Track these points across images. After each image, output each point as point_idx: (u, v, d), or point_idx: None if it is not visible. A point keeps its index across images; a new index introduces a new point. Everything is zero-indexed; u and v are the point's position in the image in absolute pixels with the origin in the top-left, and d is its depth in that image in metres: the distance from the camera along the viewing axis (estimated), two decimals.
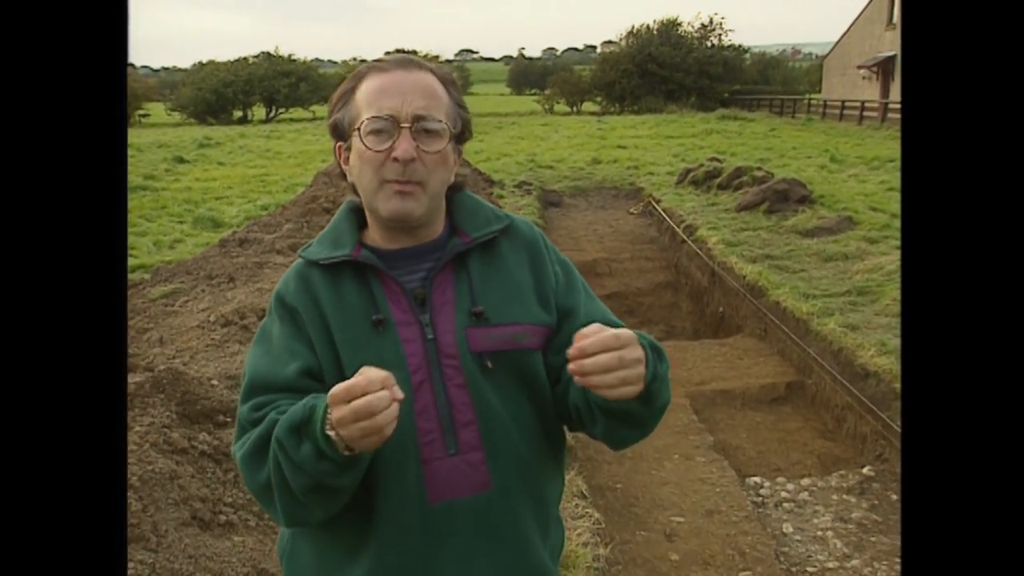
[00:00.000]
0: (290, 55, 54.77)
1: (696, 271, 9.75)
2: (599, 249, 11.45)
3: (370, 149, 1.29)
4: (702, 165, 14.58)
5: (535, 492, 1.38)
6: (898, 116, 28.41)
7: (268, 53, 54.43)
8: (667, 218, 11.74)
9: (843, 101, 34.26)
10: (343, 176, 1.39)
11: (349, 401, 1.08)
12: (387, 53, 1.49)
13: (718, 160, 15.23)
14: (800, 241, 9.45)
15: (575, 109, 53.41)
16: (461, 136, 1.38)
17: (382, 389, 1.09)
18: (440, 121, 1.31)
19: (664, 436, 5.71)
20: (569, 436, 4.13)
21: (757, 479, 5.09)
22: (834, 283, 7.66)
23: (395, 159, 1.27)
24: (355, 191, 1.39)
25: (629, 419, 1.29)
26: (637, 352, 1.17)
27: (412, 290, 1.33)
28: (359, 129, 1.30)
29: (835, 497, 4.77)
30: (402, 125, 1.28)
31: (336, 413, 1.10)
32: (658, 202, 12.88)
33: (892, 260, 7.97)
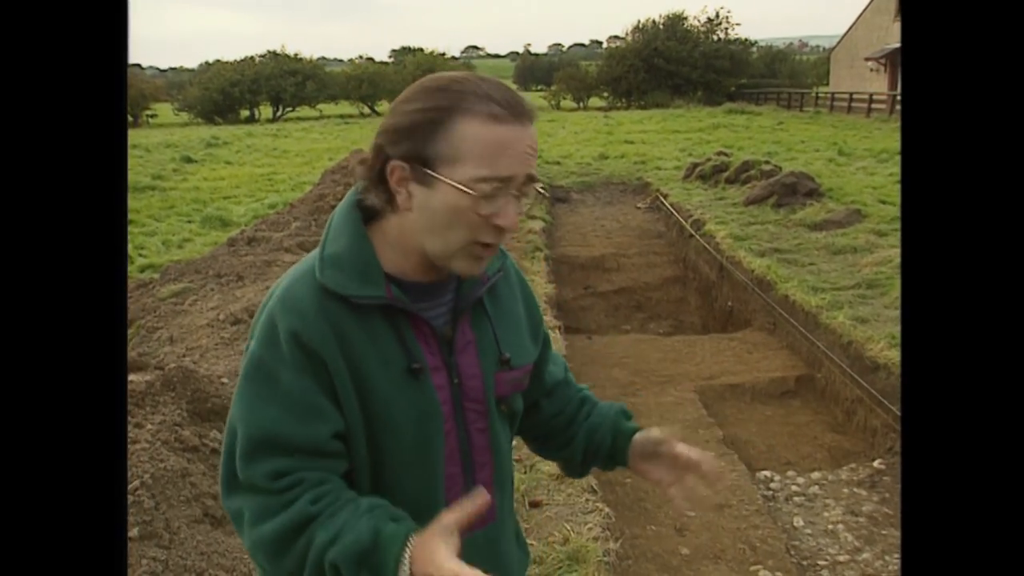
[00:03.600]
0: (296, 54, 54.92)
1: (704, 265, 9.73)
2: (607, 244, 11.44)
3: (470, 209, 1.13)
4: (709, 159, 14.55)
5: (513, 510, 1.48)
6: None
7: (274, 52, 54.60)
8: (675, 212, 11.72)
9: (851, 94, 34.11)
10: (382, 188, 1.19)
11: None
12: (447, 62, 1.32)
13: (725, 154, 15.19)
14: (808, 234, 9.42)
15: (581, 104, 53.35)
16: None
17: None
18: (540, 182, 1.21)
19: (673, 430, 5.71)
20: None
21: (767, 473, 5.09)
22: (843, 276, 7.63)
23: (497, 226, 1.15)
24: (378, 204, 1.21)
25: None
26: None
27: (438, 330, 1.25)
28: (468, 187, 1.12)
29: (845, 490, 4.76)
30: (512, 192, 1.15)
31: (446, 567, 1.05)
32: (666, 197, 12.86)
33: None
